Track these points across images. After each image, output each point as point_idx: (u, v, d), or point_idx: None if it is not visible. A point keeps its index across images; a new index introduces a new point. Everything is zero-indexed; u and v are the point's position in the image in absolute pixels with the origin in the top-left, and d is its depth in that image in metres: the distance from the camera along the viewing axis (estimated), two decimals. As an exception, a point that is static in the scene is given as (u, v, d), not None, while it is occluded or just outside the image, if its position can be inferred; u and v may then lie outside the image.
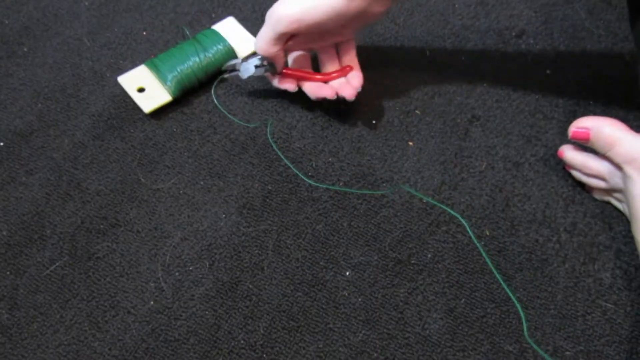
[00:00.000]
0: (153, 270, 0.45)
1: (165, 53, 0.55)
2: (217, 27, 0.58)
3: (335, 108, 0.54)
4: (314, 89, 0.51)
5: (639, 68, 0.47)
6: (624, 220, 0.48)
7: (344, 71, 0.51)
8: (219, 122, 0.54)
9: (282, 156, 0.46)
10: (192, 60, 0.54)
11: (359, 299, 0.44)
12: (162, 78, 0.53)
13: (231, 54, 0.55)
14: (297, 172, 0.45)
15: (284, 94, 0.53)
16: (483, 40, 0.59)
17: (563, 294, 0.44)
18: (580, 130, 0.45)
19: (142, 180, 0.50)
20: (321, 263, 0.46)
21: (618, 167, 0.44)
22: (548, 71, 0.57)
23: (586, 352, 0.42)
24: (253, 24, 0.60)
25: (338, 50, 0.52)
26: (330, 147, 0.52)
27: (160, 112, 0.54)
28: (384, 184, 0.50)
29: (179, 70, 0.53)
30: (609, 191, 0.47)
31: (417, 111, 0.54)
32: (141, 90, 0.53)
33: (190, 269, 0.45)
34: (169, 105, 0.54)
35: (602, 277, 0.45)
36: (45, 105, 0.55)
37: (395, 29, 0.61)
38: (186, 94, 0.55)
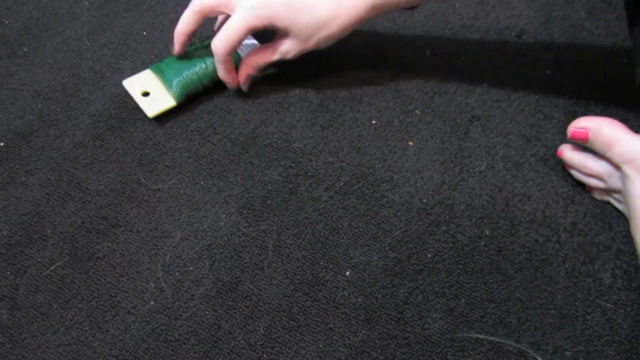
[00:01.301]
0: (153, 270, 0.45)
1: (171, 57, 0.55)
2: None
3: (335, 107, 0.54)
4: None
5: (637, 69, 0.47)
6: (624, 220, 0.48)
7: None
8: (219, 122, 0.54)
9: None
10: (198, 66, 0.53)
11: (359, 299, 0.44)
12: (167, 83, 0.53)
13: (238, 62, 0.55)
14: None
15: (284, 94, 0.53)
16: (483, 40, 0.59)
17: (563, 294, 0.44)
18: (579, 130, 0.45)
19: (142, 180, 0.50)
20: (321, 263, 0.46)
21: (617, 167, 0.44)
22: (548, 71, 0.57)
23: (586, 352, 0.42)
24: (253, 24, 0.60)
25: None
26: (330, 147, 0.52)
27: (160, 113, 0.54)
28: (384, 184, 0.50)
29: (184, 75, 0.53)
30: (608, 191, 0.47)
31: (417, 111, 0.54)
32: (146, 94, 0.53)
33: (191, 269, 0.45)
34: (169, 105, 0.54)
35: (602, 277, 0.45)
36: (45, 105, 0.55)
37: (395, 29, 0.61)
38: (190, 100, 0.54)
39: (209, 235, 0.47)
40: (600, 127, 0.44)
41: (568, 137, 0.46)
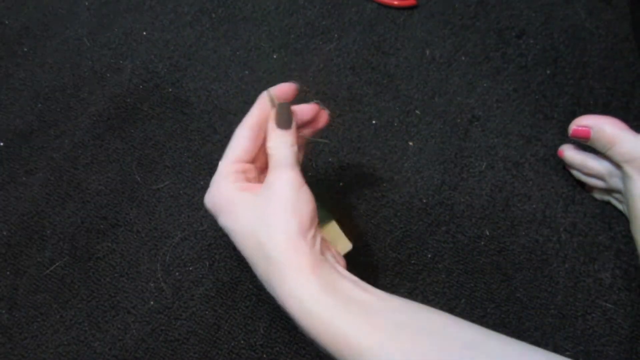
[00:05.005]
0: (153, 270, 0.45)
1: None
2: None
3: (335, 108, 0.54)
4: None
5: None
6: (624, 220, 0.48)
7: None
8: (219, 122, 0.54)
9: None
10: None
11: (359, 299, 0.44)
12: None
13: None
14: None
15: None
16: (483, 40, 0.59)
17: (563, 294, 0.44)
18: (580, 128, 0.45)
19: (142, 180, 0.50)
20: (321, 263, 0.45)
21: (617, 166, 0.44)
22: (548, 71, 0.57)
23: (586, 352, 0.42)
24: (254, 24, 0.60)
25: None
26: (330, 147, 0.52)
27: (159, 112, 0.54)
28: (384, 184, 0.50)
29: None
30: (609, 191, 0.47)
31: (417, 111, 0.54)
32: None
33: (190, 269, 0.45)
34: (168, 105, 0.54)
35: (602, 277, 0.45)
36: (45, 105, 0.55)
37: (395, 29, 0.61)
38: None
39: (208, 235, 0.47)
40: (602, 126, 0.44)
41: (569, 135, 0.46)
